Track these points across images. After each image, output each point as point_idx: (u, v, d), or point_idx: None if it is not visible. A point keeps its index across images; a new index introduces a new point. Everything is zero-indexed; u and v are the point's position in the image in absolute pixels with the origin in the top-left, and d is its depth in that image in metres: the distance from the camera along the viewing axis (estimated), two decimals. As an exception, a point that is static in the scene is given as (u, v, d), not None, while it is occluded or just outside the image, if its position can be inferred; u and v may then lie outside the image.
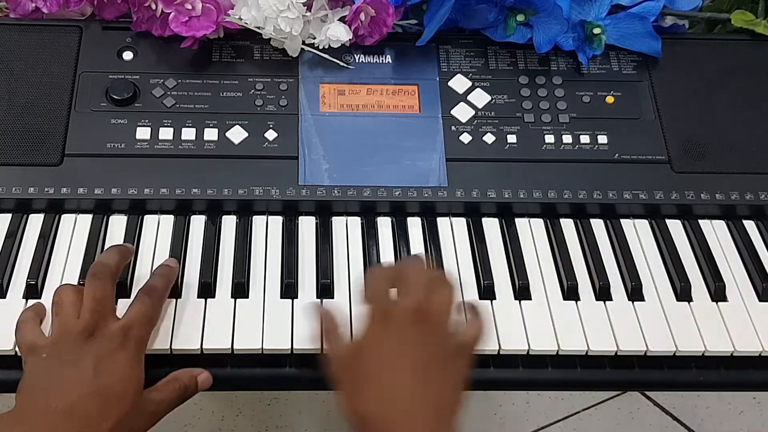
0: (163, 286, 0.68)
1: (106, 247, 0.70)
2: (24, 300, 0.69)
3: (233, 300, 0.70)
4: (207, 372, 0.67)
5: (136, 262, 0.72)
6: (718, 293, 0.73)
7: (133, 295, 0.69)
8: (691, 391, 0.77)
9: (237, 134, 0.78)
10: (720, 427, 0.93)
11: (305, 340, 0.67)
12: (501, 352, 0.69)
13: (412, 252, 0.74)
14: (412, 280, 0.64)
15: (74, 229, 0.74)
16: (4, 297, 0.69)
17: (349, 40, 0.81)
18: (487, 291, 0.72)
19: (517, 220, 0.77)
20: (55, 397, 0.59)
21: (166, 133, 0.77)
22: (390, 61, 0.83)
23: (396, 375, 0.60)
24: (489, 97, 0.81)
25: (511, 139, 0.79)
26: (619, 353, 0.69)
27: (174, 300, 0.69)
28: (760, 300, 0.74)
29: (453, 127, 0.80)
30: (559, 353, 0.69)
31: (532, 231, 0.77)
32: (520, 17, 0.82)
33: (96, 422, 0.59)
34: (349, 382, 0.61)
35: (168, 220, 0.75)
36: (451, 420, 0.60)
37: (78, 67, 0.80)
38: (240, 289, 0.70)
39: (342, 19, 0.80)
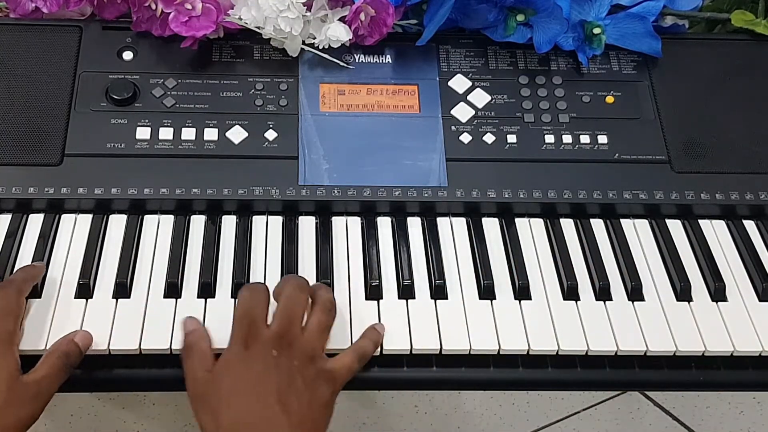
0: (21, 279, 0.67)
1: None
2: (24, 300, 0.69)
3: (233, 300, 0.70)
4: (84, 331, 0.66)
5: (136, 262, 0.72)
6: (718, 293, 0.73)
7: (133, 296, 0.70)
8: (691, 391, 0.77)
9: (237, 134, 0.78)
10: (720, 427, 0.93)
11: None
12: (501, 352, 0.68)
13: (413, 253, 0.74)
14: (283, 304, 0.65)
15: (74, 229, 0.74)
16: (4, 297, 0.69)
17: (349, 40, 0.81)
18: (487, 291, 0.72)
19: (517, 220, 0.77)
20: None
21: (166, 133, 0.77)
22: (390, 61, 0.83)
23: (250, 401, 0.60)
24: (489, 97, 0.81)
25: (511, 139, 0.79)
26: (619, 353, 0.69)
27: (174, 300, 0.70)
28: (760, 300, 0.74)
29: (453, 127, 0.80)
30: (559, 353, 0.69)
31: (532, 231, 0.77)
32: (520, 17, 0.82)
33: None
34: (204, 404, 0.62)
35: (168, 220, 0.75)
36: None
37: (78, 67, 0.80)
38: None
39: (342, 19, 0.80)
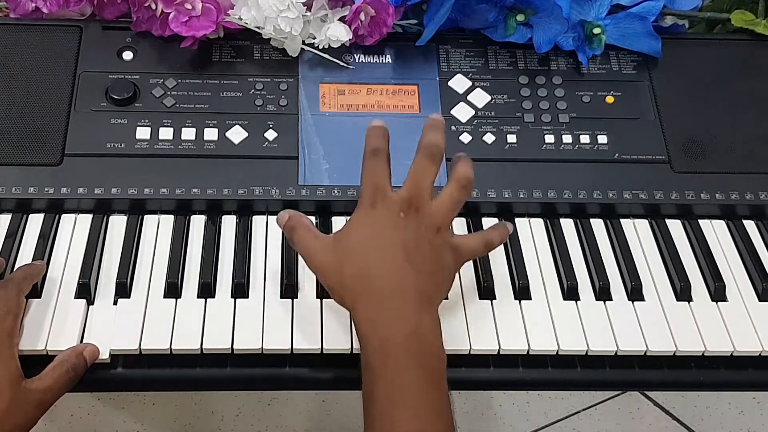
0: (20, 278, 0.67)
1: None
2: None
3: (233, 300, 0.70)
4: (92, 345, 0.66)
5: (136, 262, 0.72)
6: (718, 293, 0.73)
7: (133, 296, 0.70)
8: (691, 391, 0.77)
9: (237, 134, 0.78)
10: (720, 427, 0.93)
11: (305, 340, 0.67)
12: (501, 352, 0.69)
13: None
14: (412, 171, 0.65)
15: (74, 229, 0.74)
16: (4, 297, 0.69)
17: (349, 40, 0.81)
18: (487, 291, 0.72)
19: (517, 220, 0.77)
20: None
21: (166, 133, 0.77)
22: (390, 61, 0.83)
23: (377, 251, 0.62)
24: (489, 97, 0.81)
25: (511, 139, 0.79)
26: (619, 353, 0.69)
27: (174, 300, 0.70)
28: (760, 300, 0.74)
29: (453, 127, 0.80)
30: (559, 353, 0.69)
31: (532, 231, 0.77)
32: (520, 17, 0.82)
33: None
34: (329, 267, 0.63)
35: (168, 220, 0.75)
36: (432, 302, 0.63)
37: (78, 67, 0.80)
38: (240, 289, 0.70)
39: (342, 19, 0.80)
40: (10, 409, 0.60)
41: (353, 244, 0.63)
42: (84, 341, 0.67)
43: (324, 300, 0.70)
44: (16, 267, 0.70)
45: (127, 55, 0.81)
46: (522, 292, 0.72)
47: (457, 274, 0.72)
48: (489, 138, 0.79)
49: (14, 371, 0.62)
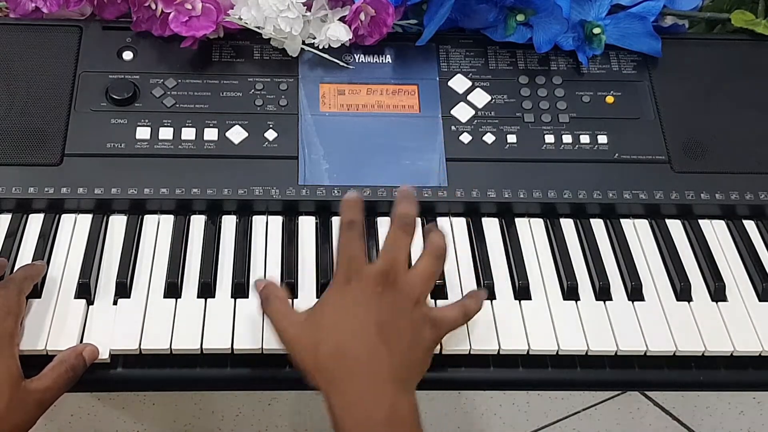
0: (21, 278, 0.67)
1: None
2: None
3: (233, 300, 0.70)
4: (92, 345, 0.66)
5: (135, 262, 0.72)
6: (718, 293, 0.73)
7: (133, 296, 0.70)
8: (691, 391, 0.77)
9: (237, 134, 0.78)
10: (720, 427, 0.93)
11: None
12: (501, 352, 0.68)
13: (412, 253, 0.74)
14: (387, 243, 0.64)
15: (74, 229, 0.74)
16: (4, 297, 0.69)
17: (349, 40, 0.81)
18: (487, 291, 0.72)
19: (517, 220, 0.77)
20: None
21: (166, 133, 0.77)
22: (390, 61, 0.83)
23: (350, 332, 0.61)
24: (489, 97, 0.81)
25: (511, 139, 0.79)
26: (619, 353, 0.69)
27: (174, 300, 0.70)
28: (760, 300, 0.74)
29: (453, 127, 0.80)
30: (559, 353, 0.69)
31: (532, 231, 0.77)
32: (520, 17, 0.82)
33: None
34: (300, 343, 0.62)
35: (168, 220, 0.75)
36: (408, 384, 0.61)
37: (78, 67, 0.80)
38: (240, 289, 0.70)
39: (342, 19, 0.80)
40: (9, 408, 0.60)
41: (328, 322, 0.61)
42: (84, 341, 0.67)
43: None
44: (16, 267, 0.70)
45: (127, 55, 0.81)
46: (522, 292, 0.72)
47: (457, 275, 0.73)
48: (489, 138, 0.79)
49: (14, 371, 0.62)
